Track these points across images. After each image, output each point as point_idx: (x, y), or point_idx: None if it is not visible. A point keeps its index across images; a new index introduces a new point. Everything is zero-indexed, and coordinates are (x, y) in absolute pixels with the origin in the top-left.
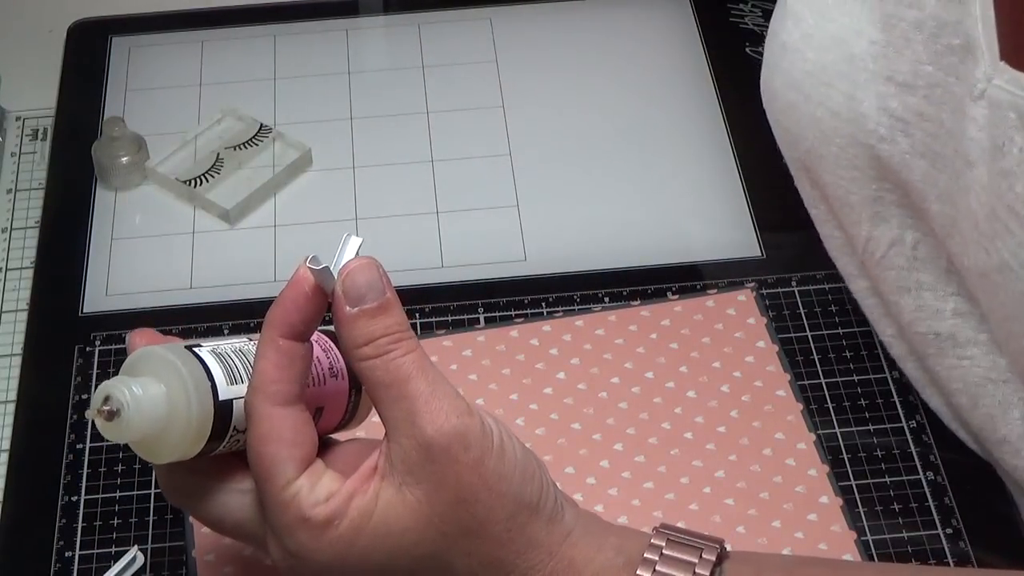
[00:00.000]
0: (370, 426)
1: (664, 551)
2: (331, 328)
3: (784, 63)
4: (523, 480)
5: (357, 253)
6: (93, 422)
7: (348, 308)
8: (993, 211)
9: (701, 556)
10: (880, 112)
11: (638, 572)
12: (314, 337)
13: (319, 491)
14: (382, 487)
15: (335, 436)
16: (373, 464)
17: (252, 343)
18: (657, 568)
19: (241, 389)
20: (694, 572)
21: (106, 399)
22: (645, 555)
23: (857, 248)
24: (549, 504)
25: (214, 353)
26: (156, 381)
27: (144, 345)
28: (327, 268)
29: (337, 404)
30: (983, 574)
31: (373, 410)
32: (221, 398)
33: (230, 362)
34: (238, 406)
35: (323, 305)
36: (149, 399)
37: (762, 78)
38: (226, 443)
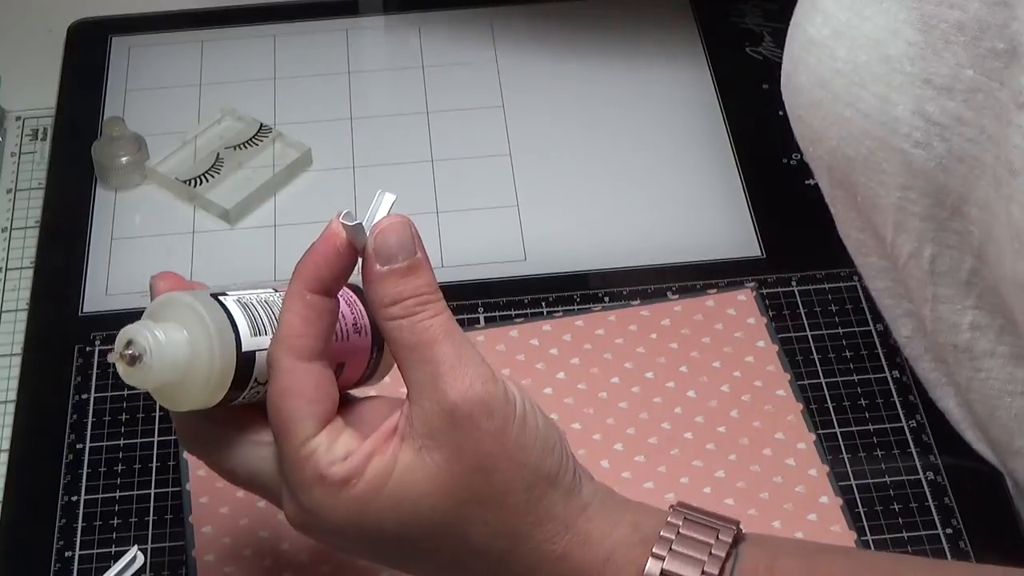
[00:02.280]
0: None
1: (681, 530)
2: (356, 284)
3: (811, 59)
4: (544, 451)
5: (390, 211)
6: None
7: (378, 266)
8: None
9: (718, 537)
10: (916, 116)
11: (653, 550)
12: (339, 292)
13: (337, 449)
14: (402, 449)
15: (354, 392)
16: (393, 425)
17: (278, 294)
18: (673, 547)
19: (265, 341)
20: (710, 553)
21: (128, 343)
22: (662, 533)
23: (888, 247)
24: (568, 477)
25: (239, 303)
26: (179, 327)
27: (168, 290)
28: (360, 224)
29: (358, 360)
30: (997, 571)
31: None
32: (244, 349)
33: (255, 312)
34: (260, 358)
35: (353, 261)
36: (172, 345)
37: (784, 71)
38: (246, 394)
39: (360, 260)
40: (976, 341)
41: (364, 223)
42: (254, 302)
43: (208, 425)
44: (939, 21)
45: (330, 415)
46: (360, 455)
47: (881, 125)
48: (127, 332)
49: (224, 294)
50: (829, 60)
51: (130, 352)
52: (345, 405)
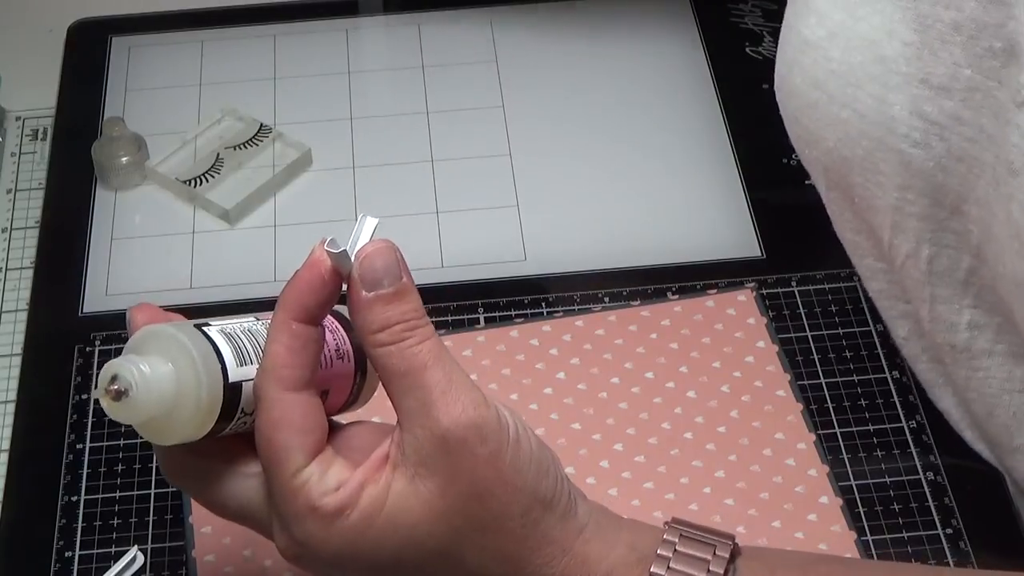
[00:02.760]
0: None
1: (678, 547)
2: (338, 308)
3: (805, 60)
4: (538, 474)
5: (373, 235)
6: (97, 403)
7: (364, 293)
8: None
9: (715, 553)
10: (913, 116)
11: (652, 569)
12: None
13: (329, 480)
14: (394, 478)
15: (340, 418)
16: (385, 453)
17: (261, 323)
18: (671, 565)
19: (251, 371)
20: (708, 570)
21: (113, 378)
22: (659, 551)
23: (884, 248)
24: (563, 499)
25: (223, 333)
26: (164, 360)
27: (147, 322)
28: (344, 251)
29: (342, 386)
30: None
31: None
32: (231, 379)
33: (240, 343)
34: (247, 388)
35: (338, 288)
36: (157, 379)
37: (777, 73)
38: (233, 425)
39: (345, 287)
40: (974, 340)
41: (348, 249)
42: (238, 332)
43: (194, 459)
44: (935, 21)
45: (320, 445)
46: (352, 485)
47: (878, 125)
48: (111, 367)
49: (207, 324)
50: (824, 61)
51: (115, 387)
52: (333, 433)
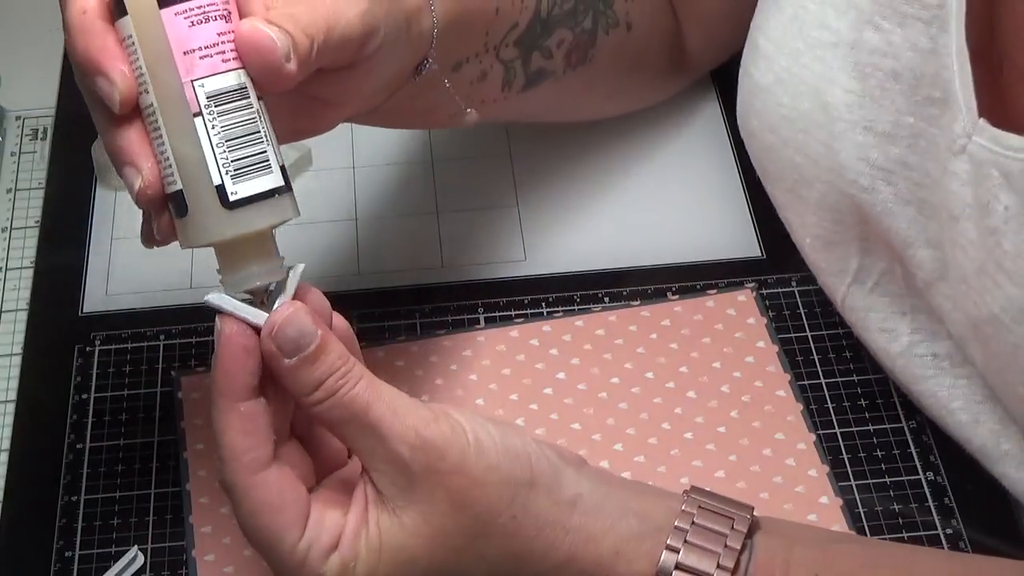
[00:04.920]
0: None
1: (696, 519)
2: None
3: (758, 104)
4: (511, 462)
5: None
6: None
7: (287, 361)
8: (982, 266)
9: (732, 527)
10: (860, 162)
11: (668, 542)
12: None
13: (325, 540)
14: (380, 518)
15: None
16: (363, 494)
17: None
18: (688, 539)
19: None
20: (725, 545)
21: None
22: (676, 524)
23: (836, 290)
24: (546, 473)
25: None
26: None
27: None
28: (232, 311)
29: None
30: (1008, 562)
31: None
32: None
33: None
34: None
35: (258, 348)
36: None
37: (738, 114)
38: None
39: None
40: (956, 347)
41: (279, 299)
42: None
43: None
44: (874, 70)
45: (304, 510)
46: (348, 538)
47: (828, 171)
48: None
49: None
50: (775, 106)
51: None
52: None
